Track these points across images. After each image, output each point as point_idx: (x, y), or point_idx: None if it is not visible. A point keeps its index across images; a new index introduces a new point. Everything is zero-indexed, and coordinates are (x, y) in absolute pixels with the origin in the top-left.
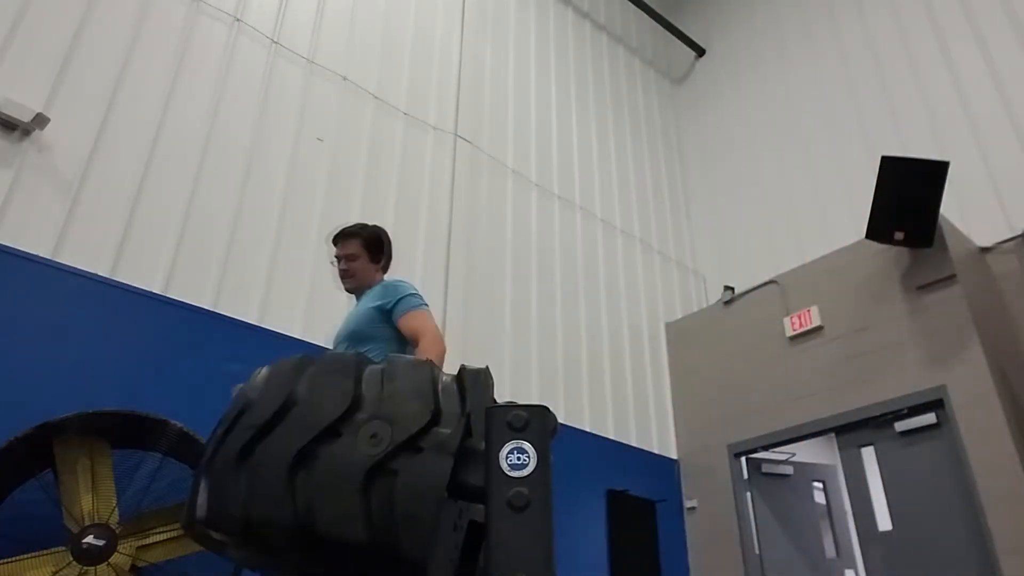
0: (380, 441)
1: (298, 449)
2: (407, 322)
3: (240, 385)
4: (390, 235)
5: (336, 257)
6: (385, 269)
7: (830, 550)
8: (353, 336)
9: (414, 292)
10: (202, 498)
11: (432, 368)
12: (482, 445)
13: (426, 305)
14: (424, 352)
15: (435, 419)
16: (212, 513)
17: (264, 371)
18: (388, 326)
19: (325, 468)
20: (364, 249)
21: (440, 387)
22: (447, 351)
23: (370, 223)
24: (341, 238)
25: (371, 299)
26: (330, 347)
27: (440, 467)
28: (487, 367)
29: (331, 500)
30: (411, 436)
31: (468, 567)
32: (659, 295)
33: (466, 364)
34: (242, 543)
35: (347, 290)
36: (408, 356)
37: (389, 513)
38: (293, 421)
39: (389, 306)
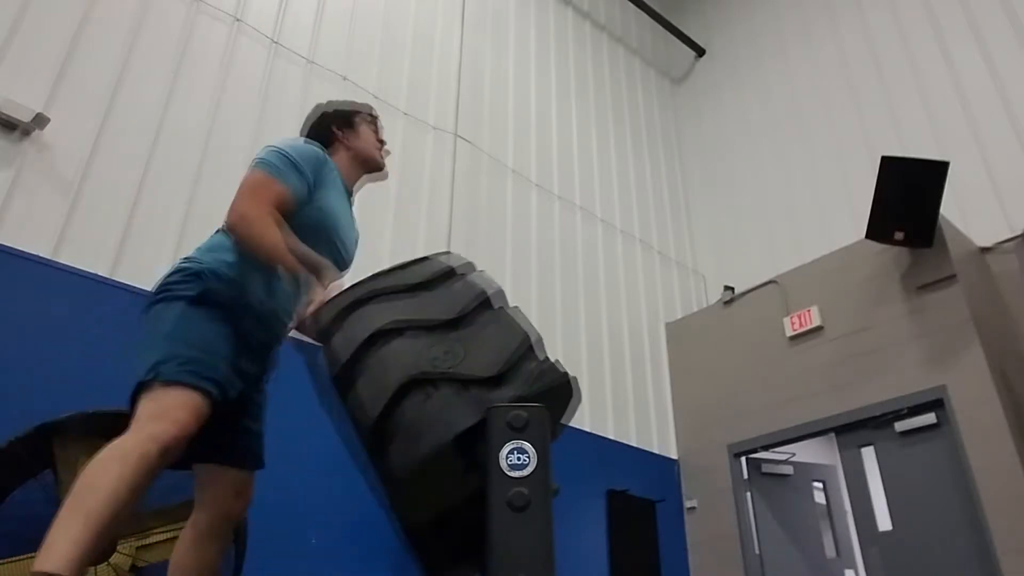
0: (447, 360)
1: (378, 329)
2: None
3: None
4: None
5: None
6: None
7: (830, 550)
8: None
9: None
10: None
11: (530, 342)
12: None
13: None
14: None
15: (498, 380)
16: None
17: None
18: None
19: (387, 351)
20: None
21: (527, 366)
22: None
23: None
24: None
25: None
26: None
27: (464, 417)
28: (576, 390)
29: (371, 380)
30: (470, 377)
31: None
32: (659, 295)
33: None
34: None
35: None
36: (518, 316)
37: (400, 417)
38: (403, 306)
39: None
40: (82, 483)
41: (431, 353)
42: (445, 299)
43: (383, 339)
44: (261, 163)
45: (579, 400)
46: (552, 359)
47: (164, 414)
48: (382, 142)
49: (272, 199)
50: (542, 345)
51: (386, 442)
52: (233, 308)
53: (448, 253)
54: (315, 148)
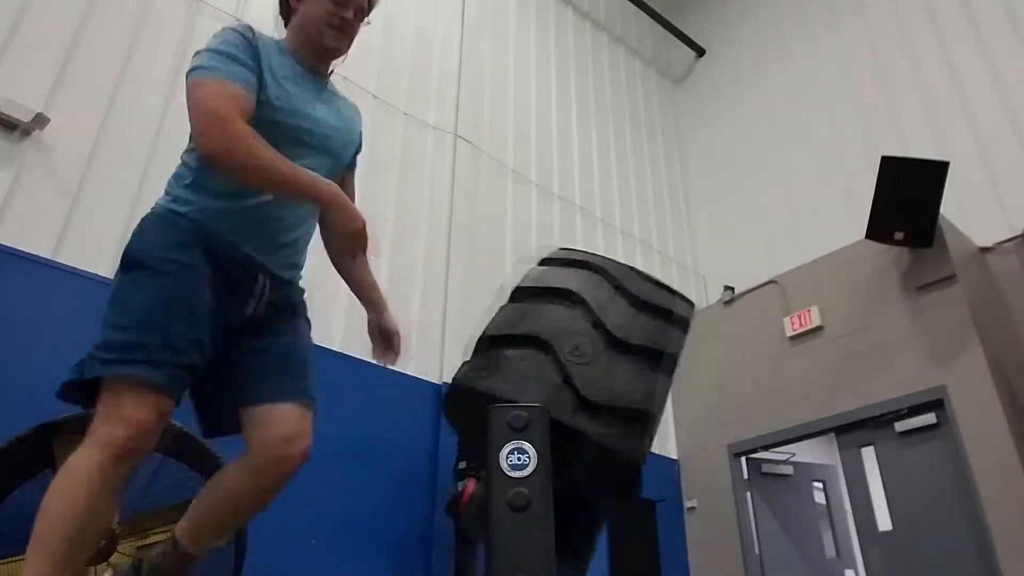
0: (577, 355)
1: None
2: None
3: None
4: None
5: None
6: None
7: (830, 550)
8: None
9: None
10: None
11: (650, 413)
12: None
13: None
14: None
15: (593, 409)
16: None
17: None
18: None
19: (558, 310)
20: None
21: (629, 431)
22: None
23: None
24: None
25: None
26: (333, 348)
27: (538, 395)
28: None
29: (521, 313)
30: (574, 384)
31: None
32: None
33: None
34: None
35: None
36: (659, 389)
37: (510, 355)
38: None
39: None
40: (40, 510)
41: (572, 339)
42: (632, 322)
43: (562, 298)
44: (199, 70)
45: (639, 491)
46: (645, 441)
47: (114, 414)
48: (340, 6)
49: (238, 108)
50: (655, 424)
51: (476, 355)
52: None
53: (690, 304)
54: (233, 30)
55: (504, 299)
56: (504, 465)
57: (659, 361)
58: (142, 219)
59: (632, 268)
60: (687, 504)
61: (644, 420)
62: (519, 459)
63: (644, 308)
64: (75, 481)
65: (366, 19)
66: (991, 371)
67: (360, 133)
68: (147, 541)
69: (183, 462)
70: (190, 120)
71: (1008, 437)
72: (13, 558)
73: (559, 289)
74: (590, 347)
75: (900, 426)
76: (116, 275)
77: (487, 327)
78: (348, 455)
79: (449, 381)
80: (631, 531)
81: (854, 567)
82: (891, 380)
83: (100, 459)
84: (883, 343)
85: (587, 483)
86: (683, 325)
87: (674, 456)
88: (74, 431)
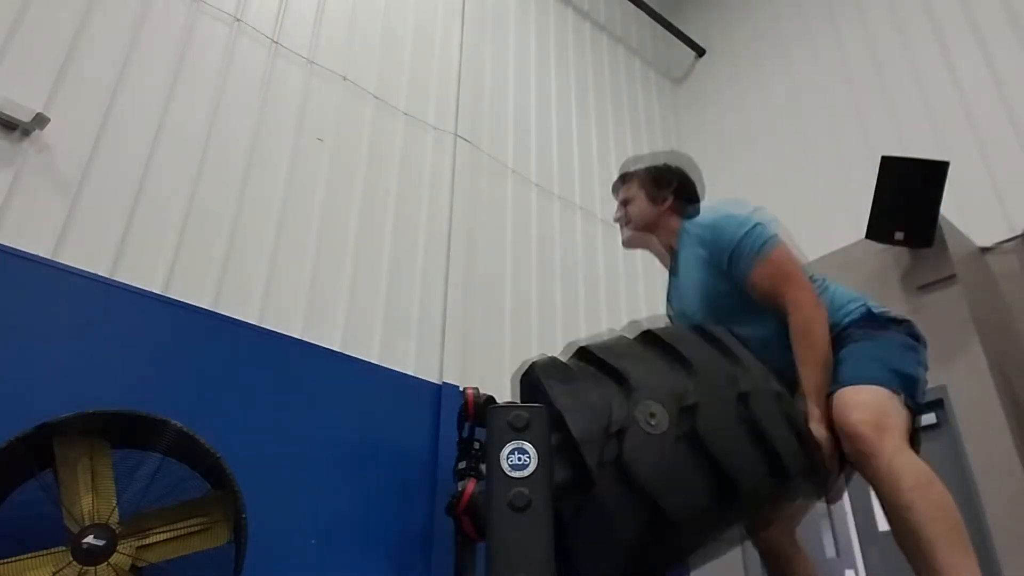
0: (656, 424)
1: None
2: (767, 285)
3: None
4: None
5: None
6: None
7: (830, 550)
8: (698, 312)
9: (752, 226)
10: None
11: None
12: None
13: (771, 241)
14: (795, 329)
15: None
16: None
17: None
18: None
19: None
20: (643, 191)
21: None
22: None
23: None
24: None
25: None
26: (333, 348)
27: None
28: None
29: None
30: (629, 476)
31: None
32: (659, 295)
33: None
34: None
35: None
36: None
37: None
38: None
39: (739, 267)
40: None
41: (654, 406)
42: (738, 443)
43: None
44: (764, 234)
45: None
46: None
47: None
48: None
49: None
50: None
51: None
52: None
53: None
54: None
55: (632, 332)
56: (504, 465)
57: (723, 487)
58: None
59: (781, 393)
60: None
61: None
62: (519, 459)
63: (752, 432)
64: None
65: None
66: (991, 371)
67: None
68: (147, 541)
69: (184, 462)
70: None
71: (1008, 437)
72: (13, 558)
73: (684, 357)
74: (667, 423)
75: None
76: None
77: (594, 341)
78: (348, 455)
79: (450, 381)
80: None
81: (854, 567)
82: None
83: None
84: None
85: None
86: (780, 476)
87: None
88: (74, 431)
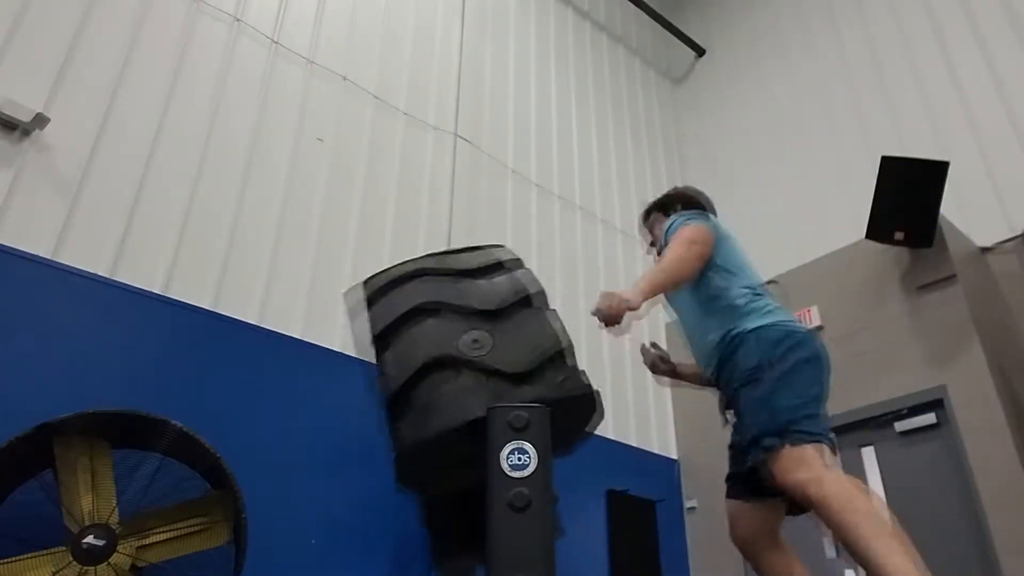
0: (475, 348)
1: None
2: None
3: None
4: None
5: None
6: (676, 210)
7: (830, 550)
8: (669, 299)
9: (680, 217)
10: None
11: (561, 347)
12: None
13: (692, 219)
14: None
15: (522, 378)
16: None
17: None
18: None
19: (419, 329)
20: (659, 214)
21: (552, 371)
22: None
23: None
24: (643, 220)
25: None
26: (333, 348)
27: (479, 407)
28: (599, 405)
29: (400, 353)
30: (493, 369)
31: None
32: (659, 295)
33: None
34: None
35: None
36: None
37: (418, 393)
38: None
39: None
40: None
41: (461, 338)
42: (487, 290)
43: (419, 316)
44: (686, 218)
45: (601, 415)
46: (580, 369)
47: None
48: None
49: None
50: (572, 352)
51: (401, 415)
52: None
53: (501, 247)
54: None
55: (374, 357)
56: (504, 465)
57: (531, 303)
58: None
59: (439, 252)
60: (687, 504)
61: (564, 355)
62: (519, 459)
63: (482, 273)
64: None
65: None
66: (991, 371)
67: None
68: (147, 541)
69: (184, 462)
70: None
71: (1008, 437)
72: (13, 558)
73: (411, 311)
74: (479, 334)
75: (900, 426)
76: None
77: (386, 387)
78: (348, 455)
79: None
80: (631, 531)
81: (854, 567)
82: (891, 380)
83: None
84: (883, 343)
85: (559, 434)
86: (515, 263)
87: (674, 456)
88: (74, 431)
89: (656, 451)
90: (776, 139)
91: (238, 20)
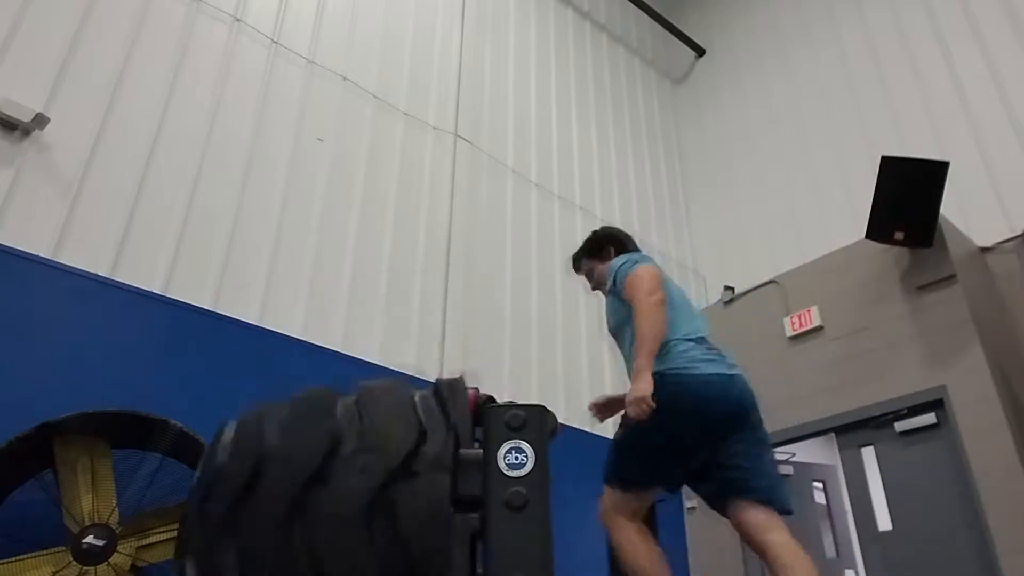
0: (372, 474)
1: (288, 502)
2: (627, 297)
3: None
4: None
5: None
6: (618, 252)
7: (830, 550)
8: (613, 331)
9: (623, 262)
10: None
11: (406, 387)
12: (475, 454)
13: (634, 263)
14: (636, 323)
15: (422, 438)
16: None
17: (230, 426)
18: (627, 305)
19: (321, 514)
20: (591, 258)
21: (419, 404)
22: (661, 295)
23: (596, 231)
24: (576, 268)
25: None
26: (333, 348)
27: (439, 484)
28: (461, 375)
29: (335, 546)
30: (402, 460)
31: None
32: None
33: (441, 377)
34: None
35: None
36: (381, 379)
37: (398, 544)
38: (273, 476)
39: (614, 288)
40: None
41: (351, 485)
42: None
43: (296, 519)
44: (632, 263)
45: None
46: None
47: None
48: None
49: None
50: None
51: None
52: None
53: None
54: None
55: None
56: (502, 464)
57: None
58: None
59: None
60: (687, 504)
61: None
62: (516, 458)
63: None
64: None
65: (593, 285)
66: (991, 371)
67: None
68: (147, 541)
69: (184, 463)
70: (630, 299)
71: (1008, 437)
72: (13, 558)
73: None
74: (364, 461)
75: (900, 426)
76: None
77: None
78: None
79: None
80: None
81: (854, 567)
82: (891, 380)
83: None
84: (883, 343)
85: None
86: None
87: None
88: (74, 431)
89: None
90: (776, 139)
91: (238, 20)
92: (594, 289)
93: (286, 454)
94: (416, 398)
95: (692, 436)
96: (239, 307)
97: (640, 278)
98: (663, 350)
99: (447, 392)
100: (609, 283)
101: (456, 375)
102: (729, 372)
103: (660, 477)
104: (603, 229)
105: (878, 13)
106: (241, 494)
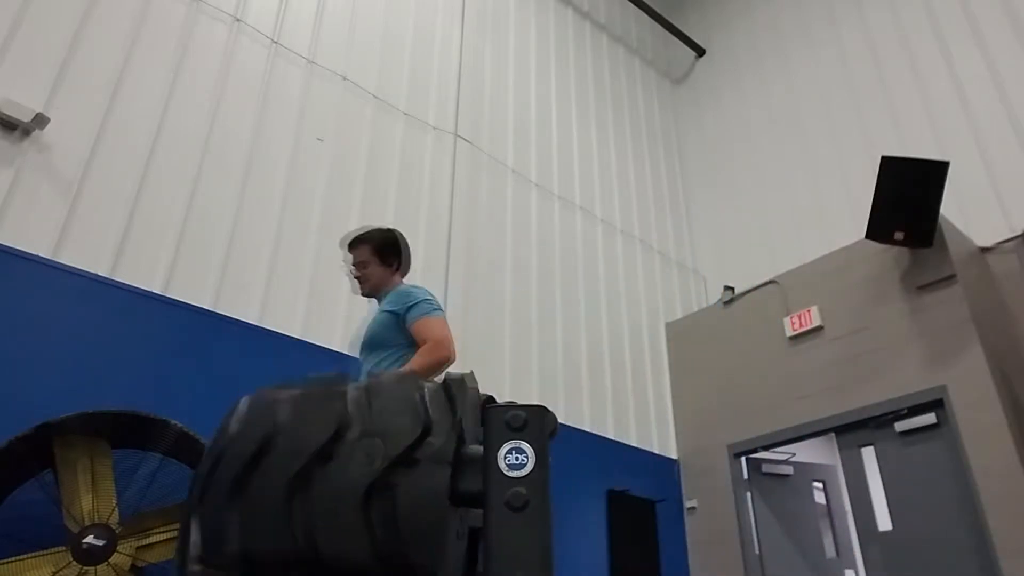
0: (374, 458)
1: (292, 475)
2: (417, 330)
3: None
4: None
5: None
6: (403, 272)
7: (830, 550)
8: (370, 343)
9: (428, 298)
10: (195, 537)
11: (416, 380)
12: (476, 451)
13: (439, 311)
14: (419, 356)
15: (426, 430)
16: (208, 551)
17: (245, 401)
18: (403, 332)
19: (321, 492)
20: (375, 254)
21: (427, 397)
22: (454, 358)
23: (384, 227)
24: (352, 245)
25: (386, 304)
26: (333, 348)
27: (438, 477)
28: (471, 371)
29: (331, 523)
30: (405, 449)
31: (469, 573)
32: (659, 295)
33: (451, 372)
34: None
35: (363, 295)
36: (393, 370)
37: (393, 529)
38: (282, 449)
39: (402, 312)
40: None
41: (354, 467)
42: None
43: (298, 492)
44: (433, 309)
45: None
46: None
47: None
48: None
49: None
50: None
51: (401, 563)
52: None
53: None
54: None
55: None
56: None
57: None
58: None
59: None
60: (687, 504)
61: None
62: (517, 458)
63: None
64: None
65: (358, 272)
66: (991, 371)
67: (373, 322)
68: (148, 541)
69: (184, 463)
70: (423, 340)
71: (1008, 437)
72: (13, 558)
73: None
74: (369, 446)
75: (900, 426)
76: None
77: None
78: None
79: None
80: (631, 531)
81: (854, 567)
82: (891, 380)
83: None
84: (883, 343)
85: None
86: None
87: (674, 456)
88: (74, 431)
89: (656, 451)
90: (776, 139)
91: (238, 20)
92: (359, 283)
93: (294, 430)
94: (426, 392)
95: None
96: (239, 307)
97: (447, 341)
98: None
99: (456, 388)
100: (399, 306)
101: (465, 372)
102: None
103: None
104: (398, 235)
105: (878, 13)
106: (249, 462)
